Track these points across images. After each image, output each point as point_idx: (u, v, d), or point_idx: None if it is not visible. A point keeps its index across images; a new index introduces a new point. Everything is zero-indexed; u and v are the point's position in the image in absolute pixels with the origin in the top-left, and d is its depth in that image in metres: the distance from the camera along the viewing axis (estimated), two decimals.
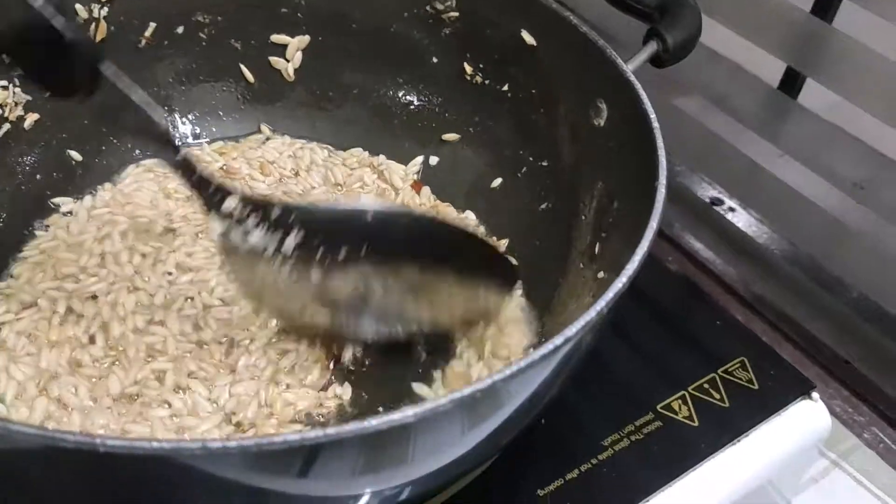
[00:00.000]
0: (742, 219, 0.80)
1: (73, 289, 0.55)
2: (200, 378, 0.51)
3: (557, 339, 0.37)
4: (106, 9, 0.63)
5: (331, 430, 0.32)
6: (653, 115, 0.50)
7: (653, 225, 0.43)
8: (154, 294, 0.56)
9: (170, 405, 0.50)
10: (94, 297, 0.55)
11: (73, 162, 0.64)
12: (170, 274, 0.57)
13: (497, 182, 0.66)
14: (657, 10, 0.59)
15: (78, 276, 0.57)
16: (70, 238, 0.59)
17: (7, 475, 0.36)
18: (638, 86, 0.53)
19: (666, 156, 0.48)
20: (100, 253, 0.58)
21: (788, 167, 0.80)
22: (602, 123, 0.56)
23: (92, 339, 0.53)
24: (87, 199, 0.63)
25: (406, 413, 0.34)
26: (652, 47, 0.58)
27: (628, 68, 0.54)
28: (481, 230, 0.64)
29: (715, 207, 0.81)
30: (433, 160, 0.68)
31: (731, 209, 0.81)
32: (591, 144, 0.57)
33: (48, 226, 0.60)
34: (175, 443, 0.31)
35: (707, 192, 0.83)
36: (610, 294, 0.39)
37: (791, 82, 0.80)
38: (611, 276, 0.47)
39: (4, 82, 0.60)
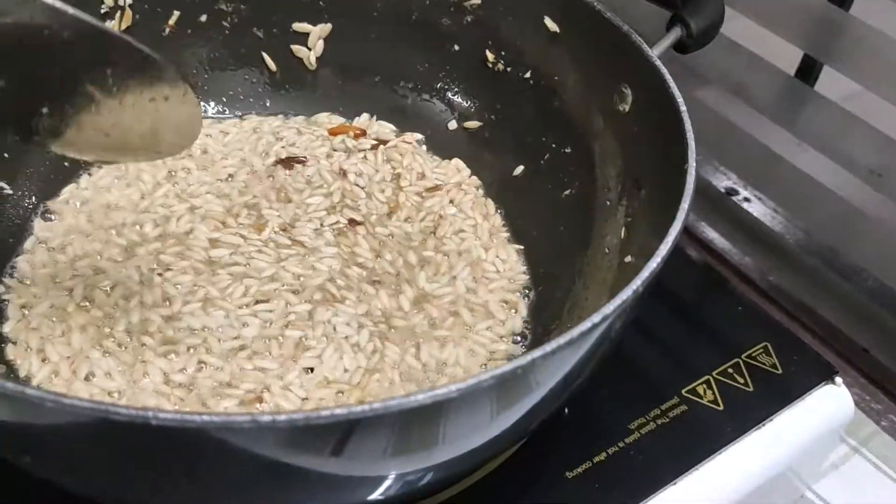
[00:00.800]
0: (758, 208, 0.80)
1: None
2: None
3: (595, 317, 0.38)
4: None
5: (377, 405, 0.33)
6: (680, 99, 0.51)
7: (684, 206, 0.44)
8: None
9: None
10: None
11: None
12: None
13: (519, 169, 0.66)
14: None
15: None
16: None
17: (54, 450, 0.36)
18: (664, 70, 0.53)
19: None
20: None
21: (805, 155, 0.80)
22: (627, 109, 0.57)
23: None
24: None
25: (450, 388, 0.34)
26: (676, 33, 0.58)
27: (654, 53, 0.54)
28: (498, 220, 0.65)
29: (731, 197, 0.82)
30: None
31: (748, 199, 0.81)
32: (616, 130, 0.58)
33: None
34: (226, 416, 0.31)
35: (723, 181, 0.83)
36: (645, 273, 0.40)
37: (808, 70, 0.80)
38: (639, 261, 0.48)
39: None
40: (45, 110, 0.39)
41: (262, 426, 0.32)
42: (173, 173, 0.64)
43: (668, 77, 0.52)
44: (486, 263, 0.61)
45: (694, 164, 0.46)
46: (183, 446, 0.34)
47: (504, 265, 0.61)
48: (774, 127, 0.83)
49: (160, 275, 0.56)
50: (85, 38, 0.38)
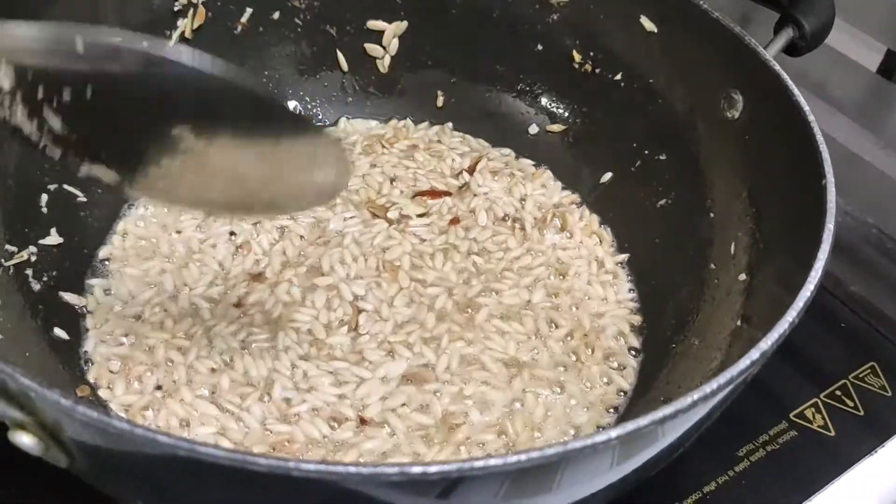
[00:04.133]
0: (850, 221, 0.76)
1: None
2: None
3: (721, 378, 0.35)
4: None
5: (522, 456, 0.30)
6: (806, 108, 0.47)
7: (829, 226, 0.41)
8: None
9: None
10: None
11: None
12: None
13: (607, 176, 0.62)
14: None
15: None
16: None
17: (178, 493, 0.33)
18: (785, 76, 0.49)
19: None
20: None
21: (890, 158, 0.77)
22: (736, 116, 0.53)
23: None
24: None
25: (610, 435, 0.31)
26: (787, 34, 0.54)
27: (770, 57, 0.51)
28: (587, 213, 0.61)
29: None
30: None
31: (846, 212, 0.77)
32: (722, 138, 0.54)
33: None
34: (373, 467, 0.29)
35: None
36: (800, 303, 0.37)
37: (891, 67, 0.77)
38: (764, 283, 0.45)
39: None
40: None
41: (412, 478, 0.29)
42: None
43: (790, 83, 0.49)
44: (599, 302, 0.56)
45: (832, 180, 0.43)
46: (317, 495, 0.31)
47: (615, 295, 0.57)
48: (857, 127, 0.79)
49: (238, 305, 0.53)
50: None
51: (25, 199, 0.52)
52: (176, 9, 0.59)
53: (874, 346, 0.60)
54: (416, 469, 0.29)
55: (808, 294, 0.37)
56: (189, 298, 0.53)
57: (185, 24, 0.60)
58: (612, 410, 0.50)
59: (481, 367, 0.51)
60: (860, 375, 0.57)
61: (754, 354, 0.35)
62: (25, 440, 0.32)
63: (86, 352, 0.50)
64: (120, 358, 0.50)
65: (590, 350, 0.53)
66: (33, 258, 0.51)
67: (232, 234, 0.57)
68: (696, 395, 0.34)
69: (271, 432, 0.47)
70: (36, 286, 0.50)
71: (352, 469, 0.29)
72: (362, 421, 0.48)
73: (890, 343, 0.60)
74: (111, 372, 0.49)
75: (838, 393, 0.56)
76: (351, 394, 0.49)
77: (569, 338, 0.53)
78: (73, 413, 0.29)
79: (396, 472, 0.29)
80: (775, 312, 0.39)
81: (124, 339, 0.51)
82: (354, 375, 0.50)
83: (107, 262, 0.55)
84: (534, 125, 0.66)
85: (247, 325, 0.52)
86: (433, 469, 0.29)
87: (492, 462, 0.30)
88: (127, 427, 0.29)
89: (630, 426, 0.32)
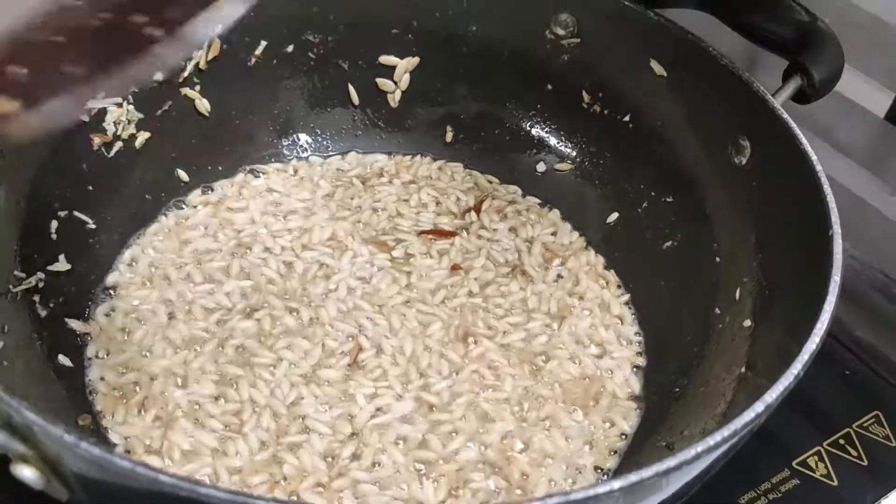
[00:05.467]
0: (847, 258, 0.76)
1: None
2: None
3: (726, 431, 0.34)
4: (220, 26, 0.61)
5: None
6: (814, 157, 0.48)
7: (836, 278, 0.41)
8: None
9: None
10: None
11: (181, 181, 0.61)
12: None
13: (613, 217, 0.63)
14: (796, 42, 0.56)
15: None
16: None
17: None
18: (793, 125, 0.50)
19: None
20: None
21: None
22: (744, 162, 0.54)
23: None
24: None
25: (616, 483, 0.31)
26: (796, 82, 0.55)
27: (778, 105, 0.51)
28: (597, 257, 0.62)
29: None
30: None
31: (853, 256, 0.77)
32: (729, 183, 0.55)
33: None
34: None
35: None
36: (805, 356, 0.37)
37: None
38: (767, 330, 0.45)
39: (119, 100, 0.57)
40: None
41: None
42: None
43: (798, 132, 0.49)
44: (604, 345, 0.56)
45: (839, 231, 0.43)
46: None
47: (620, 337, 0.57)
48: (863, 172, 0.79)
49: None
50: None
51: (36, 224, 0.53)
52: None
53: (879, 395, 0.59)
54: None
55: (814, 346, 0.37)
56: (190, 330, 0.53)
57: (200, 56, 0.61)
58: (613, 453, 0.50)
59: (481, 404, 0.51)
60: (864, 424, 0.57)
61: (759, 407, 0.34)
62: (27, 474, 0.32)
63: (90, 380, 0.50)
64: (121, 387, 0.50)
65: (592, 391, 0.53)
66: (41, 284, 0.51)
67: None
68: (699, 448, 0.34)
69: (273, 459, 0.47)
70: (42, 312, 0.51)
71: None
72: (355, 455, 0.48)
73: (894, 391, 0.60)
74: (114, 399, 0.49)
75: (842, 441, 0.56)
76: (347, 425, 0.49)
77: (571, 379, 0.53)
78: (75, 449, 0.29)
79: None
80: (781, 360, 0.39)
81: (125, 369, 0.51)
82: (351, 408, 0.50)
83: (113, 290, 0.55)
84: (542, 163, 0.66)
85: (247, 354, 0.52)
86: None
87: None
88: (128, 465, 0.29)
89: (633, 477, 0.32)
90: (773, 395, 0.35)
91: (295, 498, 0.45)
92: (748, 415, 0.35)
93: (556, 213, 0.64)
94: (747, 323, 0.50)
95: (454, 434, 0.49)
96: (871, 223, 0.78)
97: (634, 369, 0.55)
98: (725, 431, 0.35)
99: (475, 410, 0.51)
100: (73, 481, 0.32)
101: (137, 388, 0.50)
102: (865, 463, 0.55)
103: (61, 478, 0.32)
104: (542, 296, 0.58)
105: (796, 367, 0.36)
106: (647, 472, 0.33)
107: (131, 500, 0.32)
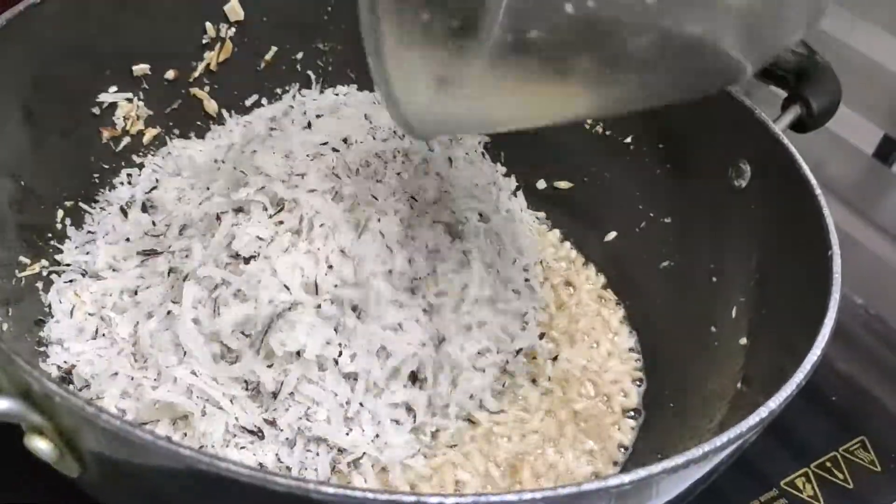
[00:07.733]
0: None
1: None
2: None
3: (717, 441, 0.35)
4: (233, 29, 0.61)
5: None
6: (814, 181, 0.49)
7: (835, 296, 0.42)
8: None
9: None
10: None
11: None
12: None
13: (612, 235, 0.64)
14: (795, 74, 0.58)
15: None
16: None
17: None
18: (793, 149, 0.51)
19: None
20: None
21: (883, 242, 0.79)
22: (744, 185, 0.55)
23: None
24: None
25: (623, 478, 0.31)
26: (795, 111, 0.56)
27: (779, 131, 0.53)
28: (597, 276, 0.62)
29: None
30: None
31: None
32: (729, 206, 0.56)
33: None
34: (389, 494, 0.29)
35: None
36: (807, 366, 0.38)
37: (888, 150, 0.79)
38: (766, 348, 0.46)
39: (130, 94, 0.58)
40: None
41: None
42: None
43: (798, 157, 0.51)
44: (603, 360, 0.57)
45: (839, 252, 0.44)
46: None
47: (619, 353, 0.58)
48: (850, 208, 0.81)
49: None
50: None
51: (44, 211, 0.53)
52: (204, 41, 0.61)
53: (863, 422, 0.61)
54: (434, 500, 0.29)
55: (815, 357, 0.38)
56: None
57: (211, 57, 0.62)
58: (614, 465, 0.51)
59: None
60: (850, 449, 0.58)
61: (762, 412, 0.35)
62: (41, 445, 0.31)
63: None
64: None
65: (592, 405, 0.53)
66: (45, 272, 0.51)
67: None
68: (697, 452, 0.34)
69: None
70: (45, 300, 0.50)
71: (370, 495, 0.29)
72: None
73: (878, 420, 0.61)
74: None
75: (828, 465, 0.57)
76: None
77: (570, 393, 0.54)
78: (95, 420, 0.29)
79: (413, 501, 0.29)
80: (777, 377, 0.40)
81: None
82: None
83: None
84: (542, 181, 0.68)
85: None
86: (450, 501, 0.29)
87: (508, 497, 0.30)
88: (150, 438, 0.29)
89: (626, 477, 0.33)
90: (776, 401, 0.36)
91: None
92: (745, 424, 0.36)
93: (556, 232, 0.65)
94: (743, 341, 0.51)
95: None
96: (855, 259, 0.79)
97: (633, 383, 0.55)
98: (724, 438, 0.35)
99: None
100: (87, 456, 0.32)
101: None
102: (851, 486, 0.56)
103: (75, 452, 0.32)
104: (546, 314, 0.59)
105: (798, 377, 0.37)
106: (642, 472, 0.33)
107: (144, 476, 0.32)
